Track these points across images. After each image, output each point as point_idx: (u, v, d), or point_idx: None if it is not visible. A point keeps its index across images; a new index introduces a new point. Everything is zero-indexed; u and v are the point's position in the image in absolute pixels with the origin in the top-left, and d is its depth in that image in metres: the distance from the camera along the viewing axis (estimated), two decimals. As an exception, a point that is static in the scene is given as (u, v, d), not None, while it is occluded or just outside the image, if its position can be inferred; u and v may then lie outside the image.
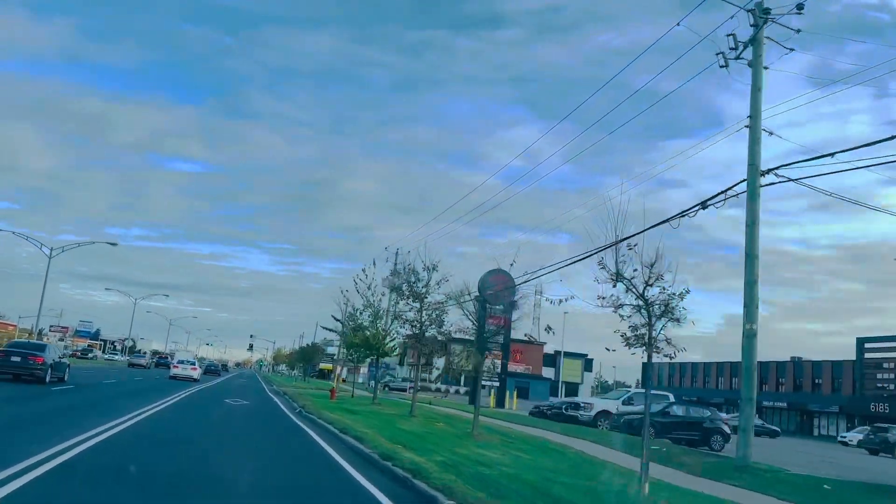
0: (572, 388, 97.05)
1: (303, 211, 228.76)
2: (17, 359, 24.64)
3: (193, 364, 50.14)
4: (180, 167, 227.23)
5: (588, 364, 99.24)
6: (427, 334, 21.98)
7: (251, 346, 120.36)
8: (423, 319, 22.07)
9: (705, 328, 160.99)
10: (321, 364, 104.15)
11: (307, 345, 73.71)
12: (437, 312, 22.68)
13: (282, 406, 25.81)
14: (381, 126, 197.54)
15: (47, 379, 24.92)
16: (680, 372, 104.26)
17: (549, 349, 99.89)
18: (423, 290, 22.51)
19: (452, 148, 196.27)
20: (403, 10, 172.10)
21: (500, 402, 46.17)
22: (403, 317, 22.25)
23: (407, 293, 22.49)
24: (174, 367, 48.61)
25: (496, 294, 23.46)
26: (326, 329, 32.41)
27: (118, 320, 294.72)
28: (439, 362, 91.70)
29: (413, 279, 22.63)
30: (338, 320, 31.53)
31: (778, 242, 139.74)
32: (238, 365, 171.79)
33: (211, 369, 70.53)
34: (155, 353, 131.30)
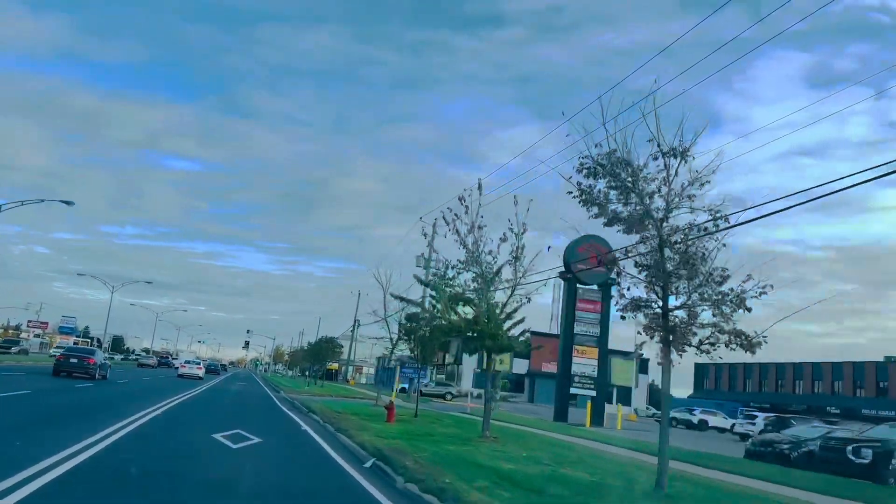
0: (624, 393, 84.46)
1: (300, 210, 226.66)
2: (74, 360, 30.85)
3: (199, 364, 56.47)
4: (177, 165, 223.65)
5: (643, 365, 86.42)
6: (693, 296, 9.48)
7: (247, 344, 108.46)
8: (664, 263, 9.55)
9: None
10: (329, 363, 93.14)
11: (322, 338, 60.67)
12: (694, 249, 10.12)
13: (330, 451, 12.66)
14: (380, 125, 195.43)
15: (96, 376, 30.63)
16: (745, 374, 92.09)
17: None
18: (662, 199, 9.98)
19: (451, 147, 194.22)
20: (404, 9, 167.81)
21: (597, 419, 33.65)
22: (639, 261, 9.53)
23: (622, 207, 9.93)
24: (182, 366, 53.80)
25: (590, 270, 11.86)
26: (399, 299, 21.59)
27: (112, 316, 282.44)
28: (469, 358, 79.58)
29: (627, 175, 10.03)
30: (425, 284, 18.96)
31: (773, 244, 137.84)
32: (232, 364, 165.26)
33: (211, 368, 75.94)
34: (145, 350, 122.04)
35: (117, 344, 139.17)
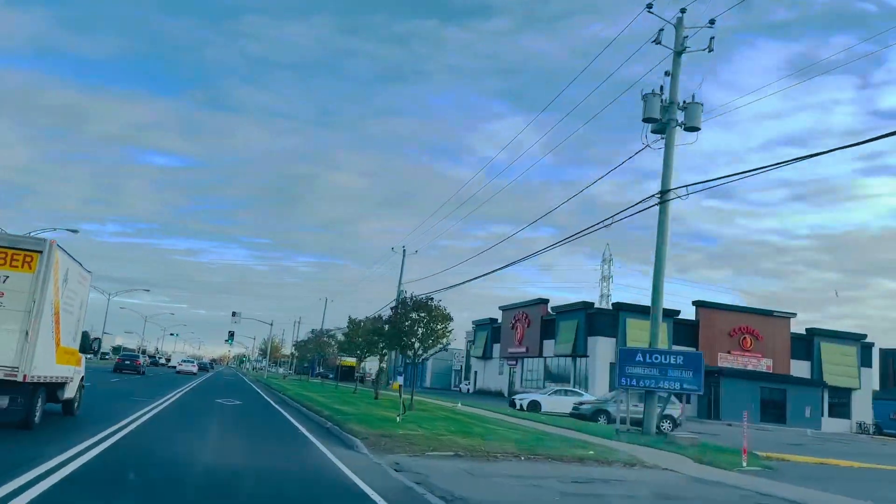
0: (840, 397, 56.50)
1: (283, 205, 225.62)
2: (128, 362, 50.59)
3: (193, 363, 72.22)
4: (158, 161, 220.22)
5: (865, 353, 58.73)
6: None
7: (231, 336, 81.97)
8: None
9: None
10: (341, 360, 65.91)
11: (403, 303, 27.18)
12: None
13: None
14: (365, 118, 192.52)
15: (140, 372, 49.42)
16: None
17: (796, 326, 59.59)
18: None
19: (437, 141, 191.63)
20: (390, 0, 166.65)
21: None
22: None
23: None
24: (180, 365, 69.99)
25: None
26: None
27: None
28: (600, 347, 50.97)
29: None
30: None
31: (757, 233, 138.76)
32: (214, 361, 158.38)
33: (202, 367, 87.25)
34: (115, 348, 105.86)
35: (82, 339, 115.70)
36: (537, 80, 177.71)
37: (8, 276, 11.19)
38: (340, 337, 51.26)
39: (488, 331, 75.76)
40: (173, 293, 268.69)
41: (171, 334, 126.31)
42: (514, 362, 66.80)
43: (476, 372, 78.09)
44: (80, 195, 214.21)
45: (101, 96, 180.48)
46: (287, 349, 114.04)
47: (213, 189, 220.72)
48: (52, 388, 13.27)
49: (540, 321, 61.96)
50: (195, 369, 67.22)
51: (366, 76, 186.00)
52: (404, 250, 51.66)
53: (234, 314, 76.22)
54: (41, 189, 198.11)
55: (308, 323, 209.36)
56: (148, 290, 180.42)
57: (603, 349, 52.69)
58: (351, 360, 66.76)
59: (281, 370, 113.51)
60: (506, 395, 63.85)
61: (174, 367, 74.99)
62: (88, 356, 16.49)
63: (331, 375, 73.74)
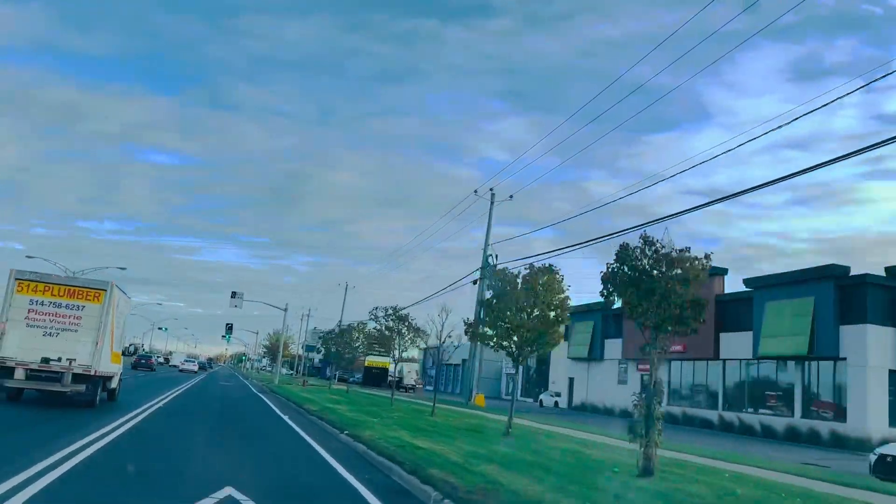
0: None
1: (282, 204, 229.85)
2: (143, 361, 62.53)
3: (193, 362, 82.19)
4: (156, 159, 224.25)
5: None
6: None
7: (229, 330, 71.82)
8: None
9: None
10: (369, 360, 61.21)
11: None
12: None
13: None
14: (364, 117, 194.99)
15: (153, 369, 61.67)
16: None
17: None
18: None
19: (437, 140, 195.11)
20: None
21: None
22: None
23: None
24: (182, 364, 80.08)
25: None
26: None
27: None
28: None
29: None
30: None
31: (757, 236, 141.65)
32: (211, 361, 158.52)
33: (201, 365, 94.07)
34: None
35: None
36: (538, 80, 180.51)
37: (84, 306, 17.31)
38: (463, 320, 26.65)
39: (597, 321, 51.94)
40: (169, 292, 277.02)
41: (160, 328, 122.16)
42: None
43: (572, 379, 55.92)
44: (78, 193, 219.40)
45: (100, 94, 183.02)
46: (295, 347, 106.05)
47: (211, 188, 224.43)
48: (105, 380, 18.96)
49: (713, 303, 37.14)
50: (195, 368, 77.37)
51: (366, 75, 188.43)
52: (493, 194, 39.00)
53: (234, 294, 59.54)
54: (38, 187, 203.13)
55: (310, 320, 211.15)
56: (124, 269, 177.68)
57: (876, 345, 31.84)
58: (383, 362, 54.16)
59: (284, 371, 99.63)
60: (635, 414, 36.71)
61: (176, 366, 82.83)
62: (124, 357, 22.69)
63: (351, 379, 59.79)
